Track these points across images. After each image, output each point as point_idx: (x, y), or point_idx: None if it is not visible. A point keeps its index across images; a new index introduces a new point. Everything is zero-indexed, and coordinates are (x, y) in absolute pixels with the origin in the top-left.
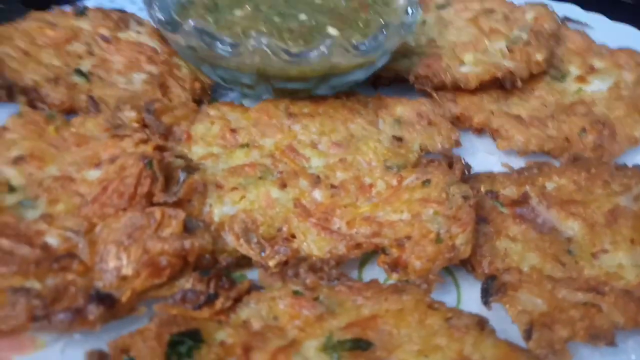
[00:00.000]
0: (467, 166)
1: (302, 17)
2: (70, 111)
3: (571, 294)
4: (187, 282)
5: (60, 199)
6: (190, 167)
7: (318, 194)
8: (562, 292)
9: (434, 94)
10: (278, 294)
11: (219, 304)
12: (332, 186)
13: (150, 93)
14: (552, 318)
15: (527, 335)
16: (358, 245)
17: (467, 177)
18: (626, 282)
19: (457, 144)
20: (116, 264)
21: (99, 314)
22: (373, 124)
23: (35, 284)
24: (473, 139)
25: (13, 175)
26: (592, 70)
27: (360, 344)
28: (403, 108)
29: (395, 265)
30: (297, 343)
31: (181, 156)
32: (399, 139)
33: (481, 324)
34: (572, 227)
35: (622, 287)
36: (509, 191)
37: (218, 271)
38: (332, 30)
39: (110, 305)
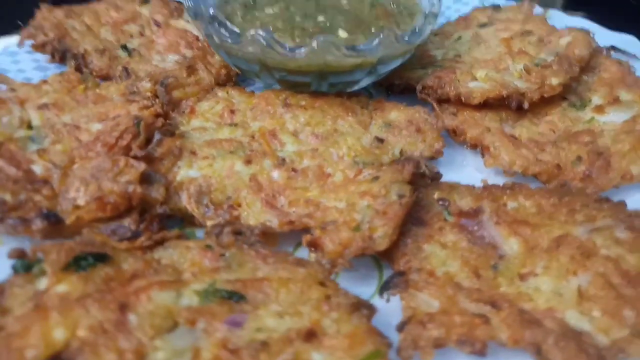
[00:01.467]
0: (436, 174)
1: (320, 18)
2: (106, 78)
3: (469, 303)
4: (126, 222)
5: (62, 141)
6: (168, 131)
7: (277, 174)
8: (461, 300)
9: (435, 105)
10: (193, 244)
11: (139, 241)
12: (293, 170)
13: (176, 72)
14: (433, 318)
15: (400, 327)
16: (290, 223)
17: (430, 183)
18: (533, 305)
19: (438, 153)
20: (74, 195)
21: (42, 227)
22: (363, 123)
23: (7, 196)
24: (466, 154)
25: (35, 116)
26: (615, 101)
27: (234, 296)
28: (397, 113)
29: (313, 245)
30: (182, 283)
31: (171, 124)
32: (380, 140)
33: (356, 306)
34: (511, 245)
35: (523, 307)
36: (464, 202)
37: (151, 216)
38: (342, 33)
39: (53, 223)
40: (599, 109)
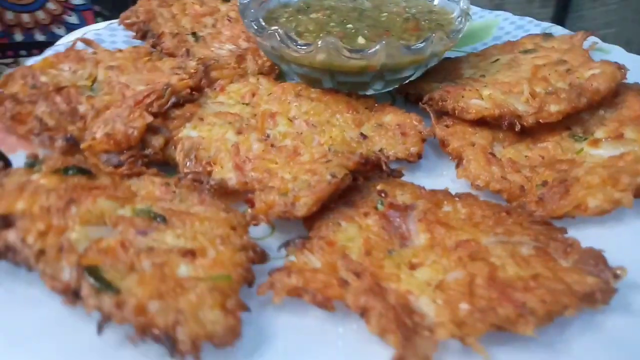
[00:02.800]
0: (396, 172)
1: (349, 26)
2: (172, 56)
3: (344, 271)
4: (120, 156)
5: (111, 94)
6: (188, 100)
7: (257, 146)
8: (339, 267)
9: (432, 115)
10: (157, 180)
11: (120, 169)
12: (272, 145)
13: (226, 59)
14: (302, 273)
15: (271, 272)
16: (244, 183)
17: (387, 178)
18: (396, 285)
19: (413, 157)
20: (95, 130)
21: (62, 145)
22: (357, 121)
23: (50, 121)
24: (450, 165)
25: (101, 74)
26: (617, 137)
27: (158, 217)
28: (392, 117)
29: (248, 202)
30: (127, 200)
31: (194, 95)
32: (364, 137)
33: (246, 247)
34: (420, 240)
35: (386, 285)
36: (402, 198)
37: (138, 155)
38: (360, 40)
39: (70, 145)
40: (595, 142)
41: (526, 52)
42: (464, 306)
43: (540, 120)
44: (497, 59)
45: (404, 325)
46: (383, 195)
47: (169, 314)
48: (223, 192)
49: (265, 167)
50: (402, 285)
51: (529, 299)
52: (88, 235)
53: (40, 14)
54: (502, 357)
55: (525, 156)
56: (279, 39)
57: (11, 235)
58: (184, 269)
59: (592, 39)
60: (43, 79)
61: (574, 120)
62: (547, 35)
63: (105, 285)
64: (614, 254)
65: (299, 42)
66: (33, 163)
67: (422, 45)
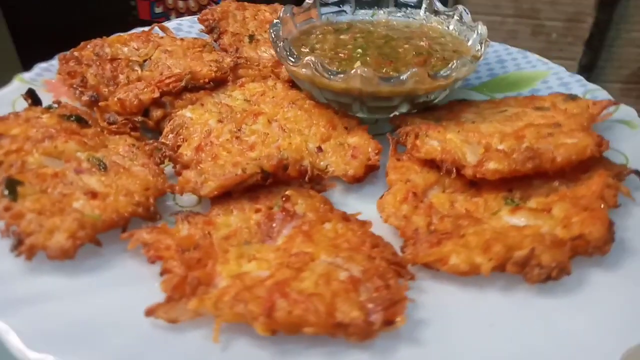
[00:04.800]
0: (319, 185)
1: (359, 50)
2: (225, 52)
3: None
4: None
5: (153, 71)
6: (201, 88)
7: (224, 136)
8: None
9: (391, 145)
10: (129, 140)
11: (111, 127)
12: (237, 137)
13: (265, 62)
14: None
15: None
16: (191, 161)
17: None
18: (219, 267)
19: (348, 178)
20: (117, 95)
21: (86, 99)
22: (326, 136)
23: (92, 80)
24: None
25: (155, 55)
26: (543, 211)
27: (98, 161)
28: (356, 139)
29: (177, 175)
30: (92, 148)
31: (209, 84)
32: (320, 150)
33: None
34: (278, 242)
35: (211, 263)
36: (297, 207)
37: (130, 120)
38: (356, 65)
39: (92, 101)
40: (516, 209)
41: (538, 109)
42: (230, 297)
43: (477, 175)
44: (506, 110)
45: (181, 287)
46: (284, 199)
47: (33, 225)
48: (176, 163)
49: (216, 153)
50: (223, 268)
51: (280, 304)
52: (40, 162)
53: (191, 3)
54: None
55: (452, 206)
56: (312, 67)
57: None
58: (77, 203)
59: (612, 109)
60: (107, 50)
61: (519, 184)
62: (572, 97)
63: (11, 193)
64: None
65: (331, 70)
66: (51, 106)
67: (446, 73)
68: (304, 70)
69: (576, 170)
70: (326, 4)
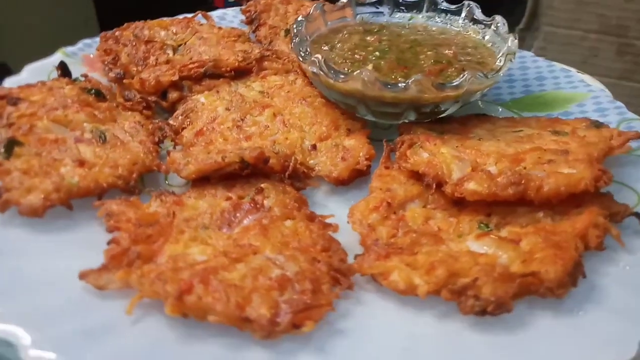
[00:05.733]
0: (297, 183)
1: (376, 53)
2: (260, 43)
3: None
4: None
5: (184, 56)
6: (221, 76)
7: (227, 123)
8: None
9: (384, 152)
10: (137, 117)
11: (127, 103)
12: (238, 126)
13: (294, 57)
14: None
15: None
16: (190, 143)
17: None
18: (168, 247)
19: (331, 179)
20: (142, 75)
21: (112, 76)
22: (325, 135)
23: (124, 59)
24: None
25: (191, 41)
26: (512, 241)
27: (102, 135)
28: (352, 142)
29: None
30: (100, 120)
31: (229, 74)
32: (314, 148)
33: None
34: (234, 231)
35: (161, 241)
36: (267, 200)
37: (144, 99)
38: (369, 67)
39: (117, 78)
40: (482, 235)
41: (556, 133)
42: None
43: (455, 194)
44: (521, 130)
45: (120, 258)
46: (256, 191)
47: (15, 182)
48: (176, 144)
49: (212, 139)
50: (170, 247)
51: (197, 289)
52: (47, 128)
53: None
54: None
55: (426, 223)
56: (318, 65)
57: (8, 109)
58: (64, 169)
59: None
60: (145, 32)
61: (502, 209)
62: (596, 124)
63: (7, 151)
64: None
65: (335, 70)
66: (77, 79)
67: (454, 84)
68: (311, 67)
69: (569, 203)
70: (363, 4)
